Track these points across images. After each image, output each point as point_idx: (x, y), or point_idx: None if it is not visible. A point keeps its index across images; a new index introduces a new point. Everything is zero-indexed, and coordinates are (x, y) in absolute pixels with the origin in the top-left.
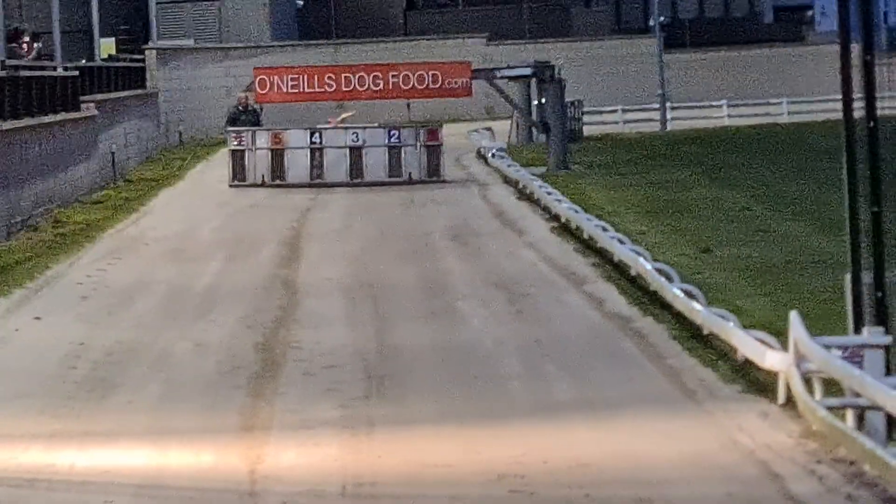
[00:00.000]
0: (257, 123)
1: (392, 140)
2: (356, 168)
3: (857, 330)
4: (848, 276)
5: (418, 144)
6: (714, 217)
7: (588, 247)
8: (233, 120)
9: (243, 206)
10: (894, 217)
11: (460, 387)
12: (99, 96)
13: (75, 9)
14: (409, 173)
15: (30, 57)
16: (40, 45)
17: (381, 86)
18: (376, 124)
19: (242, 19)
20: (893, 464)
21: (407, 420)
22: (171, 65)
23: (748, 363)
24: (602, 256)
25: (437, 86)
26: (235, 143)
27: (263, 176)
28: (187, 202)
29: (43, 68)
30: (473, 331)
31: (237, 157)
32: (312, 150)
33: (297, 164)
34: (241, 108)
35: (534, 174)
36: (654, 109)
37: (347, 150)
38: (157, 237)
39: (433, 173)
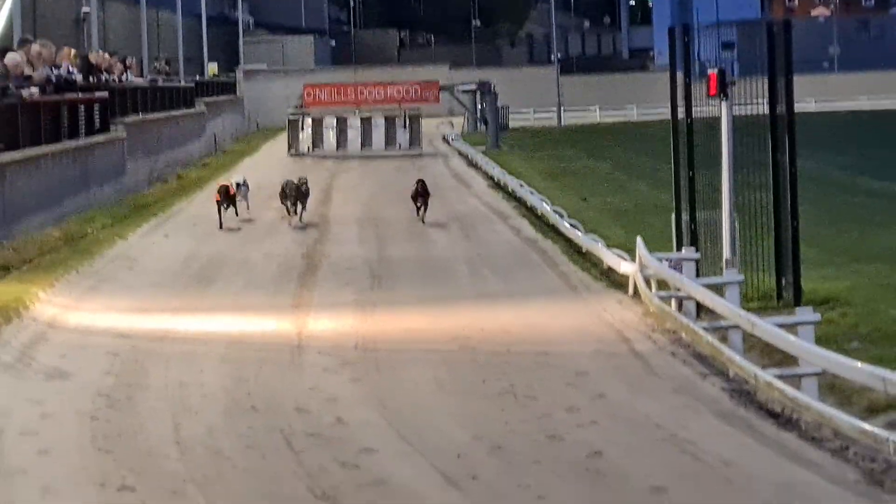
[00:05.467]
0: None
1: (388, 123)
2: (366, 140)
3: (679, 249)
4: (673, 215)
5: (405, 126)
6: (590, 179)
7: (511, 196)
8: (294, 116)
9: (296, 167)
10: (701, 178)
11: (429, 282)
12: (207, 99)
13: (192, 43)
14: (399, 144)
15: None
16: (168, 66)
17: (383, 95)
18: (380, 114)
19: (297, 52)
20: (700, 332)
21: (396, 302)
22: (252, 80)
23: (610, 269)
24: (519, 202)
25: (418, 95)
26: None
27: (308, 147)
28: (262, 165)
29: (171, 81)
30: (438, 248)
31: (293, 133)
32: (338, 129)
33: (329, 138)
34: (298, 107)
35: (478, 151)
36: (553, 111)
37: (360, 129)
38: None
39: (414, 144)
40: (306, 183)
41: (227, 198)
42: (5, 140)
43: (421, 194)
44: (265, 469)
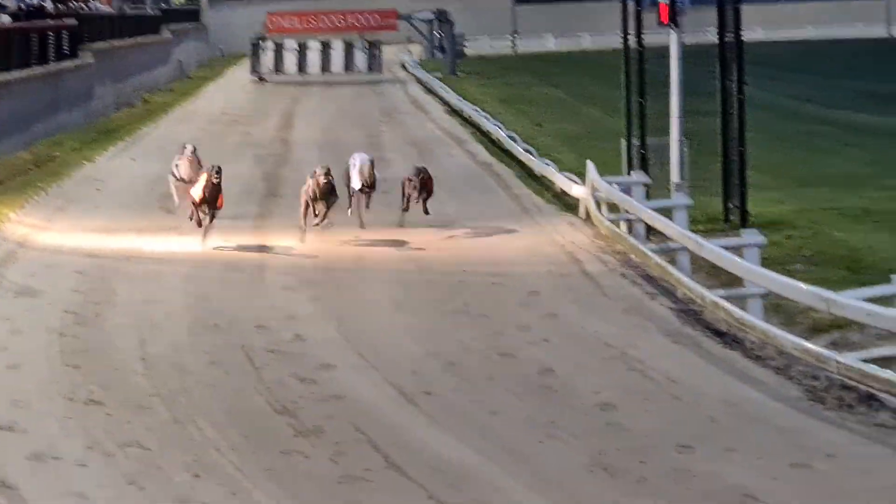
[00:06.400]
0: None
1: (348, 47)
2: (326, 64)
3: (629, 173)
4: (623, 141)
5: (364, 51)
6: (544, 104)
7: (467, 122)
8: (257, 41)
9: (259, 93)
10: (652, 105)
11: (388, 207)
12: (173, 26)
13: None
14: (358, 68)
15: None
16: None
17: (344, 23)
18: (339, 39)
19: None
20: (649, 254)
21: (355, 224)
22: (216, 8)
23: (563, 193)
24: (475, 128)
25: (377, 23)
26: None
27: (269, 69)
28: (225, 90)
29: (138, 9)
30: (397, 171)
31: (255, 57)
32: (299, 53)
33: (290, 62)
34: (260, 36)
35: (435, 77)
36: (509, 39)
37: (320, 53)
38: (206, 111)
39: (374, 69)
40: (372, 167)
41: (213, 194)
42: None
43: (419, 187)
44: (227, 384)
